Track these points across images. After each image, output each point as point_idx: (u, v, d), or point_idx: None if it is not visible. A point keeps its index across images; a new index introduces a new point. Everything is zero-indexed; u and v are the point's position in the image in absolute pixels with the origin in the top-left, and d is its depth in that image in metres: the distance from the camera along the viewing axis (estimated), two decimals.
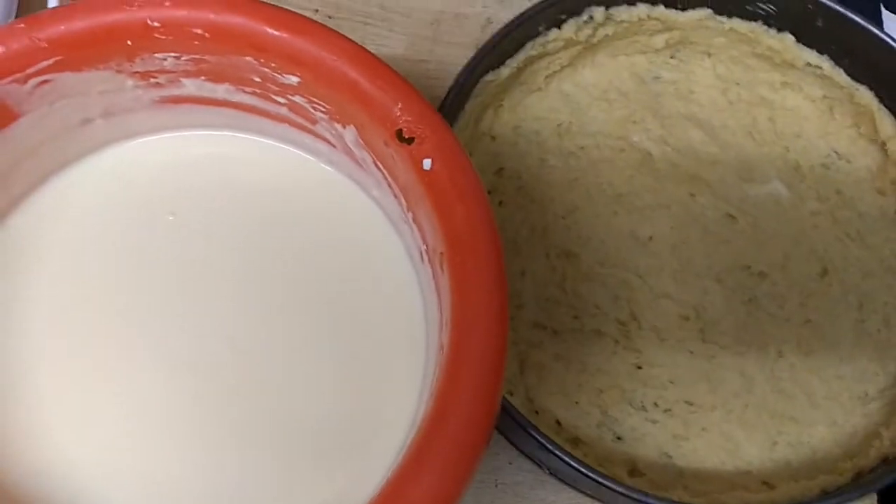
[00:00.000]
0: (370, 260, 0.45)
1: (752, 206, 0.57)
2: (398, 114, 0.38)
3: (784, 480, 0.51)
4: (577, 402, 0.52)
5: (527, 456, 0.51)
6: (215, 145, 0.47)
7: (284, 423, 0.42)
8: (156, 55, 0.40)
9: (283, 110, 0.43)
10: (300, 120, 0.44)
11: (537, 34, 0.56)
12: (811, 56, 0.59)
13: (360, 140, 0.41)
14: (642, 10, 0.58)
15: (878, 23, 0.61)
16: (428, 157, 0.37)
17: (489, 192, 0.57)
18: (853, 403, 0.54)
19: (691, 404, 0.52)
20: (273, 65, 0.39)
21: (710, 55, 0.61)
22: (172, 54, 0.40)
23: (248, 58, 0.40)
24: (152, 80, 0.43)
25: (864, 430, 0.53)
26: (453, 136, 0.38)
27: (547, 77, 0.59)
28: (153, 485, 0.40)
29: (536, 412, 0.51)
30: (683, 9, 0.59)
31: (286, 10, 0.39)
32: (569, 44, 0.57)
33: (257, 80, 0.41)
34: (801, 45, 0.59)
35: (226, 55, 0.40)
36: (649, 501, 0.45)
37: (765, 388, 0.53)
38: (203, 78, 0.42)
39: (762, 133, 0.59)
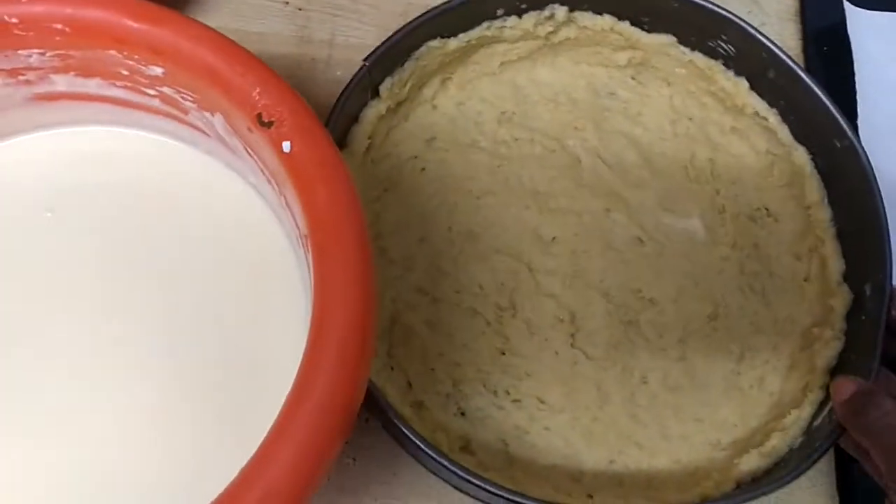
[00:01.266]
0: (252, 247, 0.47)
1: (663, 235, 0.58)
2: (257, 98, 0.38)
3: (608, 498, 0.51)
4: (432, 370, 0.53)
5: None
6: (94, 141, 0.48)
7: (170, 407, 0.43)
8: (19, 52, 0.41)
9: (156, 102, 0.44)
10: (172, 111, 0.45)
11: (495, 16, 0.57)
12: (760, 106, 0.59)
13: (229, 127, 0.42)
14: (607, 21, 0.59)
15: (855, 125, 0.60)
16: (287, 139, 0.38)
17: (415, 158, 0.58)
18: (703, 448, 0.54)
19: (542, 402, 0.53)
20: (136, 57, 0.40)
21: (669, 84, 0.62)
22: (36, 51, 0.41)
23: (111, 51, 0.40)
24: (21, 77, 0.43)
25: (703, 472, 0.53)
26: (313, 117, 0.39)
27: (502, 64, 0.60)
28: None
29: (392, 368, 0.53)
30: (649, 30, 0.59)
31: (144, 1, 0.40)
32: (527, 35, 0.59)
33: (125, 73, 0.42)
34: (753, 94, 0.59)
35: (90, 49, 0.41)
36: (457, 472, 0.46)
37: (618, 409, 0.54)
38: (73, 73, 0.43)
39: (698, 170, 0.60)
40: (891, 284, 0.52)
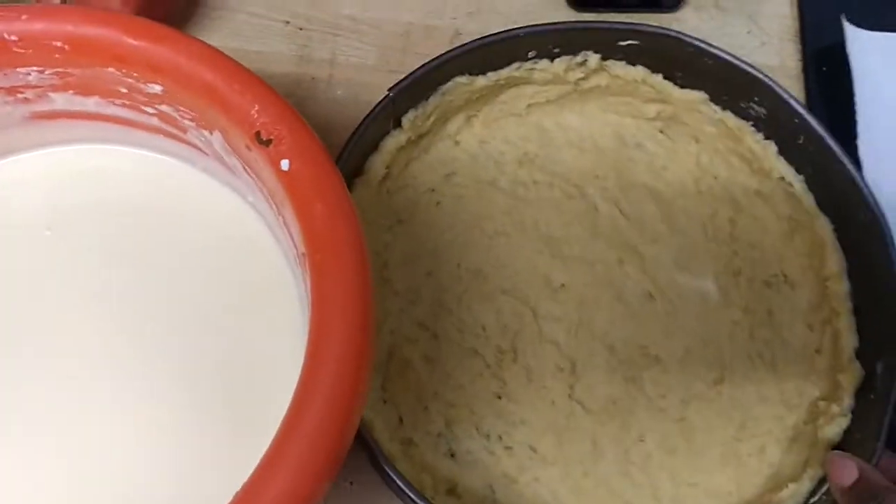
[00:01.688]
0: (249, 265, 0.47)
1: (675, 293, 0.57)
2: (255, 116, 0.38)
3: None
4: (426, 407, 0.52)
5: None
6: (92, 159, 0.48)
7: (166, 422, 0.43)
8: (18, 70, 0.41)
9: (154, 120, 0.45)
10: (171, 129, 0.45)
11: (526, 58, 0.57)
12: (787, 171, 0.58)
13: (227, 145, 0.42)
14: (639, 72, 0.59)
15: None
16: (286, 157, 0.38)
17: (432, 191, 0.58)
18: None
19: (534, 451, 0.52)
20: (135, 74, 0.40)
21: (698, 141, 0.61)
22: (35, 68, 0.41)
23: (110, 69, 0.40)
24: (20, 95, 0.44)
25: None
26: (312, 135, 0.39)
27: (530, 106, 0.60)
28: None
29: (385, 401, 0.52)
30: (681, 86, 0.59)
31: (143, 19, 0.40)
32: (556, 80, 0.58)
33: (124, 90, 0.42)
34: (781, 158, 0.58)
35: (89, 67, 0.41)
36: None
37: (612, 466, 0.53)
38: (71, 92, 0.43)
39: (717, 230, 0.59)
40: None
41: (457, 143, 0.59)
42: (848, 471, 0.46)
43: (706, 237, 0.59)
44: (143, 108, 0.44)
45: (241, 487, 0.33)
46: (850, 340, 0.55)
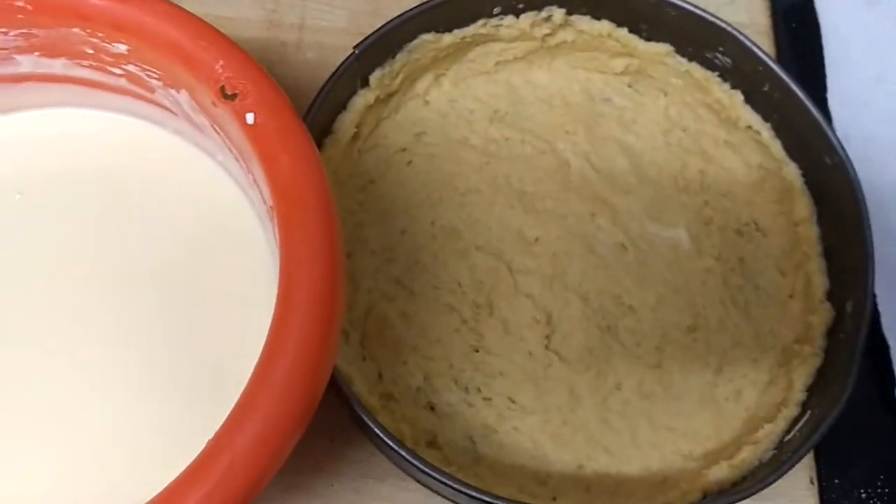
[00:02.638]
0: (222, 225, 0.47)
1: (647, 243, 0.57)
2: (220, 71, 0.39)
3: (573, 503, 0.51)
4: (405, 363, 0.53)
5: None
6: (62, 123, 0.48)
7: (145, 378, 0.43)
8: None
9: (122, 81, 0.45)
10: (139, 90, 0.45)
11: (491, 14, 0.57)
12: (754, 120, 0.58)
13: (194, 103, 0.42)
14: (605, 26, 0.59)
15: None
16: (251, 111, 0.38)
17: (403, 150, 0.58)
18: (674, 457, 0.53)
19: (513, 402, 0.53)
20: (100, 34, 0.41)
21: (666, 94, 0.62)
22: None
23: (75, 29, 0.41)
24: None
25: (672, 481, 0.52)
26: (277, 89, 0.39)
27: (498, 63, 0.60)
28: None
29: (364, 358, 0.52)
30: (647, 38, 0.59)
31: None
32: (523, 35, 0.59)
33: (90, 51, 0.42)
34: (747, 107, 0.59)
35: (53, 27, 0.41)
36: (418, 465, 0.46)
37: (590, 413, 0.53)
38: (37, 53, 0.43)
39: (687, 181, 0.59)
40: (870, 304, 0.51)
41: (427, 102, 0.59)
42: None
43: (677, 188, 0.59)
44: (110, 68, 0.44)
45: (213, 435, 0.33)
46: (820, 283, 0.56)
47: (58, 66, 0.44)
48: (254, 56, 0.46)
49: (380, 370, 0.53)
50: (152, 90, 0.44)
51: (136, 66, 0.43)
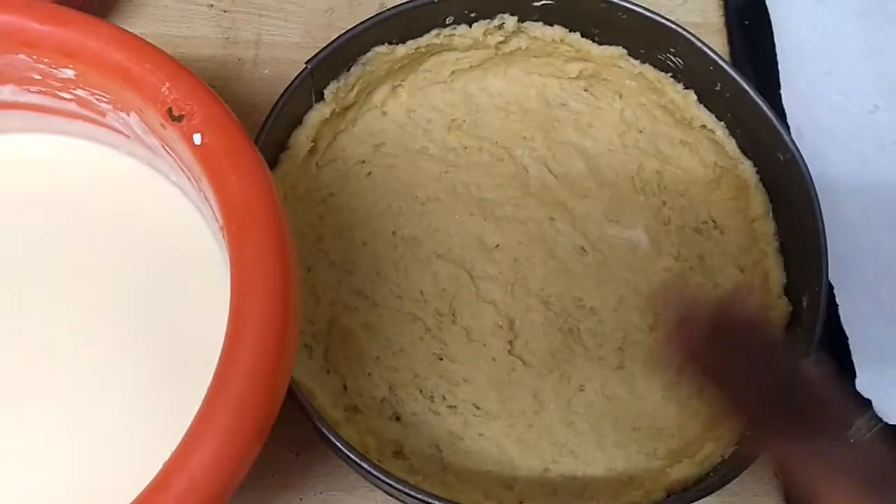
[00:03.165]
0: (178, 244, 0.47)
1: (606, 245, 0.58)
2: (167, 92, 0.39)
3: None
4: (369, 374, 0.53)
5: None
6: (14, 149, 0.48)
7: (106, 406, 0.44)
8: None
9: (73, 106, 0.45)
10: (90, 114, 0.45)
11: (444, 24, 0.58)
12: (708, 119, 0.59)
13: (144, 125, 0.42)
14: (557, 32, 0.60)
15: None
16: (198, 131, 0.39)
17: (362, 162, 0.59)
18: (639, 457, 0.54)
19: (477, 408, 0.53)
20: (47, 60, 0.41)
21: (621, 97, 0.62)
22: None
23: (21, 55, 0.41)
24: None
25: (637, 481, 0.53)
26: (224, 108, 0.39)
27: (454, 72, 0.61)
28: None
29: (328, 371, 0.53)
30: (599, 42, 0.60)
31: (51, 4, 0.41)
32: (477, 44, 0.59)
33: (38, 77, 0.43)
34: (701, 107, 0.59)
35: None
36: (380, 477, 0.46)
37: (554, 416, 0.54)
38: None
39: (644, 182, 0.60)
40: (825, 297, 0.52)
41: (384, 113, 0.60)
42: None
43: (634, 189, 0.60)
44: (59, 93, 0.44)
45: (169, 456, 0.33)
46: (778, 278, 0.56)
47: (6, 91, 0.44)
48: (211, 74, 0.47)
49: (344, 382, 0.53)
50: (103, 113, 0.44)
51: (85, 90, 0.43)
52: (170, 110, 0.39)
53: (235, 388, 0.34)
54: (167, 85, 0.39)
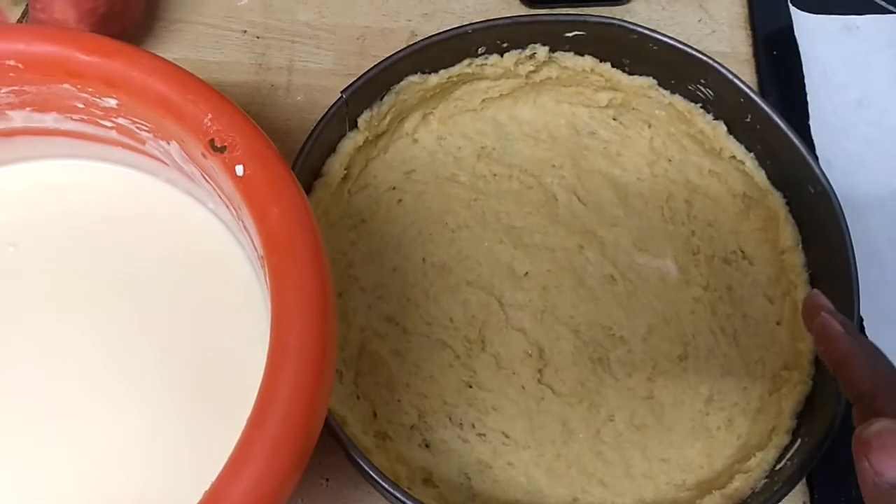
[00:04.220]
0: (216, 272, 0.47)
1: (636, 274, 0.58)
2: (209, 124, 0.39)
3: None
4: (398, 400, 0.53)
5: None
6: (55, 174, 0.49)
7: (141, 435, 0.44)
8: None
9: (113, 133, 0.45)
10: (130, 141, 0.46)
11: (476, 54, 0.58)
12: (738, 150, 0.59)
13: (184, 154, 0.43)
14: (588, 62, 0.60)
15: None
16: (240, 163, 0.39)
17: (393, 189, 0.59)
18: (668, 488, 0.54)
19: (507, 436, 0.53)
20: (90, 89, 0.41)
21: (650, 126, 0.62)
22: None
23: (65, 85, 0.41)
24: None
25: None
26: (265, 140, 0.40)
27: (484, 101, 0.61)
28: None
29: (358, 397, 0.53)
30: (630, 72, 0.60)
31: (95, 35, 0.41)
32: (508, 73, 0.60)
33: (81, 106, 0.43)
34: (731, 137, 0.60)
35: (44, 84, 0.42)
36: None
37: (583, 445, 0.54)
38: (28, 109, 0.44)
39: (674, 211, 0.60)
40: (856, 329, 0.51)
41: (415, 140, 0.60)
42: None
43: (663, 219, 0.60)
44: (100, 121, 0.44)
45: (209, 486, 0.33)
46: None
47: (49, 120, 0.45)
48: (245, 99, 0.47)
49: (374, 408, 0.53)
50: (143, 142, 0.45)
51: (127, 118, 0.43)
52: (212, 141, 0.39)
53: (276, 418, 0.35)
54: (209, 116, 0.39)
